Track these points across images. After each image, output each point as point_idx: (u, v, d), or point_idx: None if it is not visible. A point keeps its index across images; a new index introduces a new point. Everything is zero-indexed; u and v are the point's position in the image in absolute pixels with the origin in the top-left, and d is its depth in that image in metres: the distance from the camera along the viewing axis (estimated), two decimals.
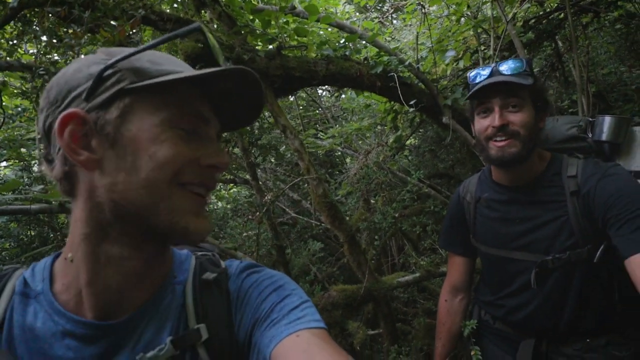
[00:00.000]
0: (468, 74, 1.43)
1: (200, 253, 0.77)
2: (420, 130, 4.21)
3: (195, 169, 0.60)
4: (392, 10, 4.05)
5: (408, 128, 2.90)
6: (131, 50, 0.59)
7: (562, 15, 2.92)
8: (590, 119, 1.53)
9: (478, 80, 1.34)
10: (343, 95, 4.69)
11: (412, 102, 2.17)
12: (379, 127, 3.94)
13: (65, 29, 1.34)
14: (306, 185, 2.40)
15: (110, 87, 0.57)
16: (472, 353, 1.51)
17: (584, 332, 1.33)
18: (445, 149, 4.15)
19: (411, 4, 3.03)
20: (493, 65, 1.33)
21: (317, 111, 4.35)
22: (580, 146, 1.49)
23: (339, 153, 4.86)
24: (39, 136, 0.70)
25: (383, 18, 4.78)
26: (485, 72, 1.33)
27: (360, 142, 4.37)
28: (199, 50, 1.85)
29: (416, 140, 4.60)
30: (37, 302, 0.62)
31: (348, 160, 4.70)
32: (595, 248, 1.26)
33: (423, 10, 2.31)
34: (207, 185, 0.62)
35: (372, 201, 2.35)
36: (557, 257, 1.28)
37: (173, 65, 0.61)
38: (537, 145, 1.34)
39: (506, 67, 1.29)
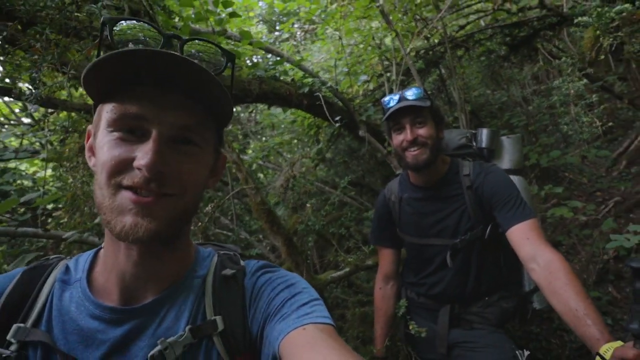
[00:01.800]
0: (382, 100, 1.74)
1: (222, 252, 0.82)
2: (333, 145, 4.62)
3: (131, 171, 0.59)
4: (302, 35, 4.43)
5: (327, 141, 3.23)
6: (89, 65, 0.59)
7: (443, 48, 3.61)
8: (473, 132, 2.02)
9: (391, 104, 1.66)
10: (256, 113, 4.87)
11: (337, 118, 2.48)
12: (298, 141, 4.23)
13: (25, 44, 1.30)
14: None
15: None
16: (410, 326, 1.80)
17: (483, 293, 1.72)
18: (357, 160, 4.61)
19: (323, 31, 3.42)
20: (400, 92, 1.68)
21: (238, 127, 4.46)
22: (468, 152, 1.93)
23: (256, 166, 4.99)
24: None
25: (295, 41, 5.15)
26: (396, 97, 1.66)
27: (280, 157, 4.58)
28: None
29: (330, 154, 5.01)
30: (74, 288, 0.69)
31: (261, 175, 4.68)
32: (485, 227, 1.67)
33: (340, 40, 2.67)
34: (142, 188, 0.59)
35: (308, 205, 2.58)
36: (462, 238, 1.66)
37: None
38: (440, 152, 1.71)
39: (410, 93, 1.63)
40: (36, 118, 3.06)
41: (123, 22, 0.66)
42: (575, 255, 3.63)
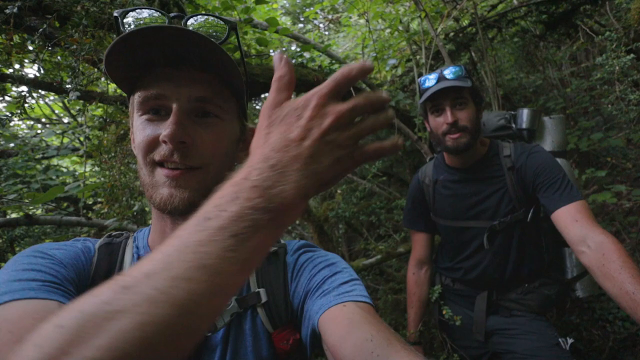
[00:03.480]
0: (419, 80, 1.70)
1: None
2: None
3: (159, 147, 0.64)
4: (327, 25, 4.39)
5: None
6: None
7: (473, 30, 3.47)
8: (513, 112, 1.94)
9: (428, 84, 1.60)
10: None
11: None
12: None
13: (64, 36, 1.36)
14: None
15: None
16: (444, 312, 1.77)
17: (523, 278, 1.66)
18: None
19: (348, 18, 3.37)
20: (439, 71, 1.61)
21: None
22: (508, 133, 1.87)
23: None
24: None
25: (319, 31, 5.11)
26: (433, 77, 1.60)
27: None
28: None
29: None
30: (142, 253, 0.76)
31: None
32: (527, 210, 1.60)
33: (368, 26, 2.62)
34: (169, 161, 0.63)
35: (339, 192, 2.56)
36: (502, 220, 1.60)
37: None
38: (480, 135, 1.65)
39: (449, 72, 1.57)
40: (74, 114, 3.19)
41: (131, 12, 0.69)
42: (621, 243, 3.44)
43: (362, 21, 3.43)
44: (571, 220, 1.37)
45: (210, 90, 0.65)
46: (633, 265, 1.17)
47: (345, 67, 0.43)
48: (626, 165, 4.09)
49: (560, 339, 1.50)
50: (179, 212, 0.64)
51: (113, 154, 2.09)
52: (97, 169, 2.51)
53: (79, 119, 3.35)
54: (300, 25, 6.62)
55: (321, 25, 5.38)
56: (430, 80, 1.60)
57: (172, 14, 0.71)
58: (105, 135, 2.23)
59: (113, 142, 2.03)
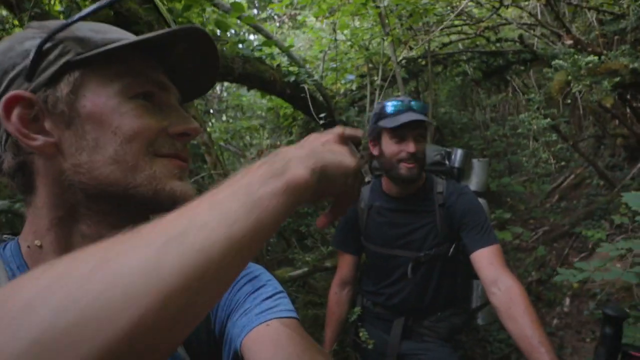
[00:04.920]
0: (383, 104, 1.69)
1: None
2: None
3: (167, 140, 0.57)
4: (284, 18, 4.26)
5: (300, 134, 3.14)
6: (68, 20, 0.52)
7: (424, 62, 3.68)
8: (448, 150, 2.06)
9: (391, 110, 1.62)
10: (222, 91, 4.63)
11: (322, 115, 2.40)
12: (265, 128, 4.07)
13: None
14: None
15: (54, 61, 0.52)
16: (360, 334, 1.81)
17: (437, 308, 1.77)
18: None
19: (307, 17, 3.30)
20: (403, 99, 1.65)
21: (201, 102, 4.19)
22: (441, 169, 1.97)
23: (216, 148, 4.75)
24: None
25: (277, 20, 4.95)
26: (397, 104, 1.63)
27: (241, 141, 4.40)
28: (112, 19, 1.63)
29: None
30: None
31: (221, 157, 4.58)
32: (450, 246, 1.72)
33: (334, 35, 2.58)
34: (181, 157, 0.59)
35: None
36: (427, 253, 1.69)
37: (117, 34, 0.57)
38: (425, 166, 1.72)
39: (416, 105, 1.63)
40: None
41: None
42: None
43: (318, 25, 3.40)
44: (487, 262, 1.51)
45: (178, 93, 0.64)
46: (533, 311, 1.34)
47: (346, 129, 0.53)
48: (520, 208, 4.72)
49: None
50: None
51: None
52: None
53: None
54: (255, 11, 6.34)
55: (276, 17, 5.21)
56: (395, 106, 1.62)
57: None
58: None
59: None
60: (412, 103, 1.62)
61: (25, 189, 0.56)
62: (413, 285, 1.72)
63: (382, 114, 1.65)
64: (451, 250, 1.71)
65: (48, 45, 0.51)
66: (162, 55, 0.59)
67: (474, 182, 2.08)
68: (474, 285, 1.89)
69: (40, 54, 0.51)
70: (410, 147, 1.58)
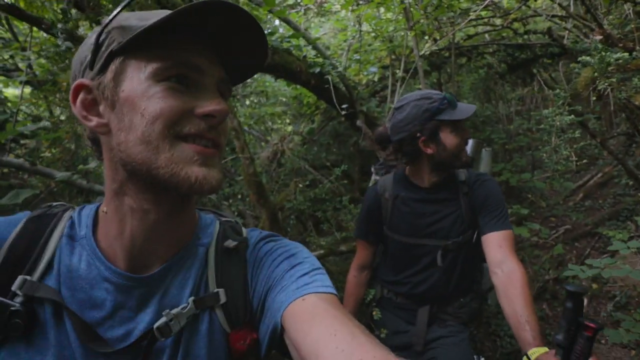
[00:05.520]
0: (435, 97, 1.65)
1: (224, 219, 0.79)
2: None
3: (192, 120, 0.59)
4: (314, 6, 4.31)
5: (321, 122, 3.23)
6: (114, 12, 0.59)
7: (448, 54, 3.67)
8: None
9: (449, 103, 1.60)
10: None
11: (344, 106, 2.49)
12: (287, 115, 4.18)
13: None
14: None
15: (104, 51, 0.59)
16: (374, 313, 1.89)
17: (460, 294, 1.82)
18: (339, 144, 4.66)
19: (333, 4, 3.34)
20: (444, 94, 1.64)
21: None
22: None
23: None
24: None
25: (301, 8, 4.99)
26: (451, 96, 1.64)
27: (263, 127, 4.52)
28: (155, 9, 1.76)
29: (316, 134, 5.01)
30: (81, 245, 0.66)
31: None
32: (474, 232, 1.77)
33: (359, 28, 2.64)
34: (206, 137, 0.60)
35: (295, 181, 2.59)
36: (455, 240, 1.74)
37: (158, 17, 0.57)
38: None
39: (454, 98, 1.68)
40: (20, 39, 2.80)
41: None
42: None
43: (343, 13, 3.44)
44: (496, 245, 1.57)
45: (225, 72, 0.65)
46: (529, 295, 1.41)
47: None
48: (541, 205, 4.67)
49: (474, 355, 1.72)
50: (209, 194, 0.61)
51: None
52: (50, 107, 2.25)
53: (24, 43, 2.95)
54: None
55: (301, 4, 5.25)
56: (449, 99, 1.62)
57: None
58: (63, 73, 2.01)
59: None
60: (454, 98, 1.66)
61: (99, 158, 0.66)
62: (440, 272, 1.75)
63: (439, 109, 1.62)
64: (475, 236, 1.76)
65: (103, 37, 0.59)
66: (196, 31, 0.60)
67: (482, 170, 2.13)
68: (483, 268, 1.92)
69: (98, 45, 0.59)
70: (468, 134, 1.66)
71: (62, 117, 2.50)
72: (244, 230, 0.77)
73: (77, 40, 1.51)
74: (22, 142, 3.01)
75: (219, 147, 0.63)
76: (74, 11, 1.34)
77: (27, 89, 2.87)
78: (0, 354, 0.60)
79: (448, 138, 1.62)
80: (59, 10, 1.60)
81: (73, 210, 0.71)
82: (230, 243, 0.71)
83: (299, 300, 0.60)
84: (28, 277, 0.62)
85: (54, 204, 0.74)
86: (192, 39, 0.59)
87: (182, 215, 0.67)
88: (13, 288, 0.61)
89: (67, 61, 2.01)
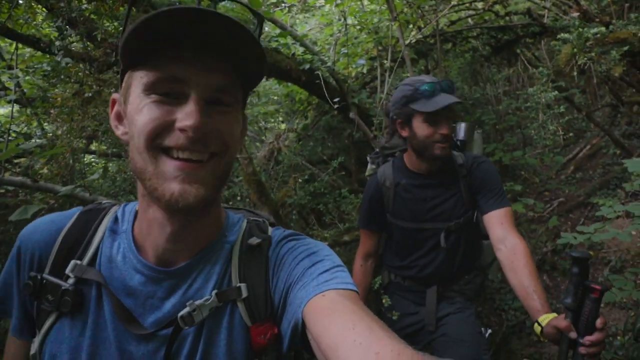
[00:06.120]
0: (415, 84, 1.69)
1: (252, 218, 0.82)
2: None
3: (173, 133, 0.60)
4: (299, 7, 4.35)
5: (314, 117, 3.29)
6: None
7: (433, 40, 3.74)
8: (453, 124, 2.17)
9: (424, 89, 1.61)
10: None
11: (336, 99, 2.55)
12: (280, 113, 4.23)
13: None
14: None
15: (122, 67, 0.65)
16: (383, 300, 1.95)
17: (465, 271, 1.90)
18: (333, 138, 4.71)
19: (321, 5, 3.40)
20: (433, 79, 1.67)
21: None
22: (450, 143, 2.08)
23: None
24: None
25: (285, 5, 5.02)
26: (428, 85, 1.63)
27: (255, 126, 4.57)
28: None
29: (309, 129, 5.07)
30: (121, 239, 0.73)
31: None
32: (474, 212, 1.84)
33: (344, 22, 2.70)
34: (189, 149, 0.60)
35: (294, 176, 2.66)
36: (457, 221, 1.81)
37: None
38: None
39: (446, 86, 1.65)
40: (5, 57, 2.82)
41: None
42: None
43: (327, 7, 3.49)
44: (498, 222, 1.65)
45: (227, 79, 0.63)
46: (533, 265, 1.50)
47: None
48: (535, 180, 4.78)
49: (482, 328, 1.80)
50: (190, 209, 0.61)
51: (66, 114, 1.94)
52: (47, 120, 2.29)
53: (9, 61, 2.98)
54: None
55: (283, 3, 5.28)
56: (428, 88, 1.63)
57: None
58: (55, 90, 2.06)
59: (69, 99, 1.89)
60: (443, 83, 1.64)
61: None
62: (445, 253, 1.81)
63: (414, 97, 1.66)
64: (475, 216, 1.83)
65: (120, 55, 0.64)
66: (188, 44, 0.59)
67: (475, 152, 2.19)
68: (483, 245, 1.99)
69: (117, 61, 0.70)
70: (444, 129, 1.63)
71: (58, 132, 2.55)
72: (269, 228, 0.80)
73: (74, 57, 1.56)
74: (15, 160, 3.04)
75: (205, 160, 0.62)
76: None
77: (16, 107, 2.90)
78: (52, 332, 0.68)
79: (419, 127, 1.67)
80: (45, 28, 1.64)
81: (119, 206, 0.79)
82: (254, 240, 0.74)
83: (319, 296, 0.62)
84: (78, 262, 0.70)
85: (104, 200, 0.81)
86: (178, 50, 0.60)
87: (202, 221, 0.70)
88: (67, 271, 0.69)
89: (61, 76, 2.05)
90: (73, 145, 2.03)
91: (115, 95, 0.70)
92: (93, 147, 3.25)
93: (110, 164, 3.08)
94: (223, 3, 0.73)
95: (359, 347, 0.52)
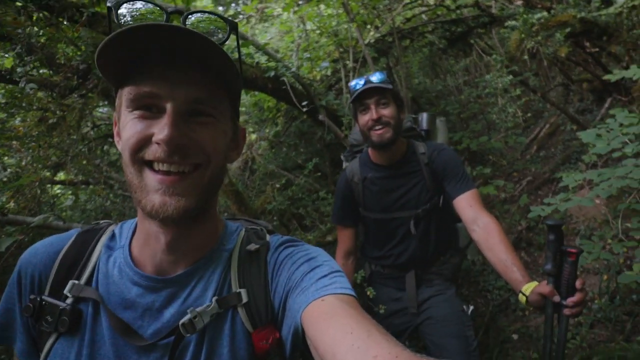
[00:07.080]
0: (349, 84, 1.87)
1: (250, 227, 0.84)
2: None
3: (151, 147, 0.62)
4: (258, 17, 4.40)
5: (284, 124, 3.32)
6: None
7: (391, 38, 3.87)
8: (414, 116, 2.27)
9: (358, 87, 1.78)
10: None
11: (304, 103, 2.59)
12: (250, 123, 4.24)
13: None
14: None
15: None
16: (368, 293, 1.99)
17: (439, 254, 1.97)
18: (306, 142, 4.76)
19: (279, 13, 3.45)
20: (366, 76, 1.81)
21: None
22: (414, 134, 2.16)
23: None
24: None
25: (243, 17, 5.06)
26: (361, 81, 1.79)
27: None
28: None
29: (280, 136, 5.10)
30: (117, 254, 0.74)
31: None
32: (439, 197, 1.92)
33: (304, 26, 2.76)
34: (168, 162, 0.62)
35: (271, 184, 2.67)
36: (424, 208, 1.88)
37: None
38: (400, 132, 1.86)
39: (375, 78, 1.77)
40: None
41: (126, 4, 0.67)
42: None
43: (285, 15, 3.54)
44: (467, 205, 1.73)
45: (206, 91, 0.64)
46: (507, 241, 1.57)
47: None
48: (503, 163, 4.99)
49: (464, 306, 1.87)
50: (172, 221, 0.63)
51: (31, 140, 1.89)
52: (1, 159, 2.21)
53: None
54: (221, 7, 6.42)
55: (242, 14, 5.31)
56: (359, 84, 1.78)
57: (170, 9, 0.68)
58: (16, 120, 2.00)
59: (32, 127, 1.84)
60: (372, 77, 1.77)
61: None
62: (417, 240, 1.89)
63: (352, 95, 1.80)
64: (441, 201, 1.90)
65: None
66: (147, 63, 0.61)
67: (440, 140, 2.29)
68: (458, 227, 2.08)
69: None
70: (373, 113, 1.73)
71: (22, 164, 2.47)
72: (267, 235, 0.81)
73: (36, 82, 1.54)
74: None
75: (187, 172, 0.64)
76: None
77: None
78: (52, 352, 0.69)
79: (359, 118, 1.81)
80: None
81: (116, 225, 0.81)
82: (252, 246, 0.75)
83: (318, 301, 0.62)
84: (76, 282, 0.71)
85: (101, 221, 0.83)
86: (154, 66, 0.62)
87: (196, 230, 0.72)
88: (65, 291, 0.70)
89: (23, 104, 2.00)
90: (39, 175, 1.98)
91: (115, 114, 0.72)
92: (61, 177, 3.16)
93: (80, 192, 3.00)
94: (195, 16, 0.74)
95: (356, 351, 0.53)
